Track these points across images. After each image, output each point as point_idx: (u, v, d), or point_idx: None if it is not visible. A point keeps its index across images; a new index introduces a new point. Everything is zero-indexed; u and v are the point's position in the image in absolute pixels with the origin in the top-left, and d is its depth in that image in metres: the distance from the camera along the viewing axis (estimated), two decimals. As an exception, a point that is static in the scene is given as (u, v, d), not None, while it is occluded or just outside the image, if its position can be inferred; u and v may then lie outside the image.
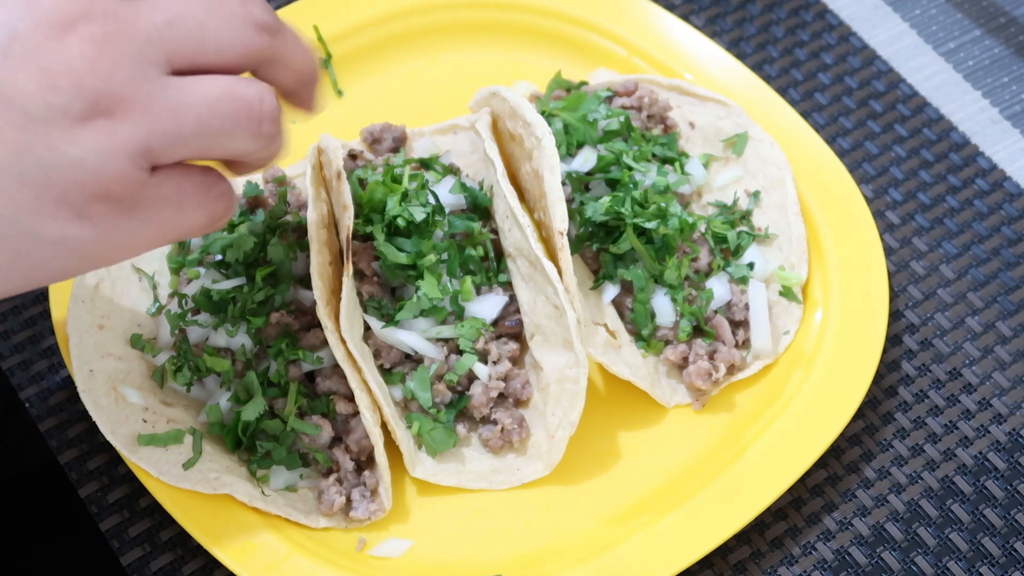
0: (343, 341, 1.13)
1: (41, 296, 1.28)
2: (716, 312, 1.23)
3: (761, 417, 1.19)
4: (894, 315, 1.28)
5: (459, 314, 1.19)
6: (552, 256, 1.18)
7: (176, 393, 1.18)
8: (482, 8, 1.42)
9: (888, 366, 1.25)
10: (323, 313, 1.14)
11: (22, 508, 1.21)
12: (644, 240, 1.21)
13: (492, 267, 1.23)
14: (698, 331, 1.23)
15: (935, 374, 1.24)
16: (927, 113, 1.40)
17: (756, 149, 1.30)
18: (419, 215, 1.19)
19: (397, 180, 1.23)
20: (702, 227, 1.26)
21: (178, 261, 1.24)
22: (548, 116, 1.29)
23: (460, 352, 1.19)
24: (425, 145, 1.32)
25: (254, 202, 1.27)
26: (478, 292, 1.21)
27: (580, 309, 1.14)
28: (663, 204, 1.22)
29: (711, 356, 1.20)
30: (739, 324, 1.23)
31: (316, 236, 1.17)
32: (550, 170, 1.16)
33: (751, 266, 1.24)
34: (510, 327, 1.20)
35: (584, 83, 1.35)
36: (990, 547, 1.15)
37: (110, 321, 1.20)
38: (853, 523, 1.17)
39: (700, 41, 1.38)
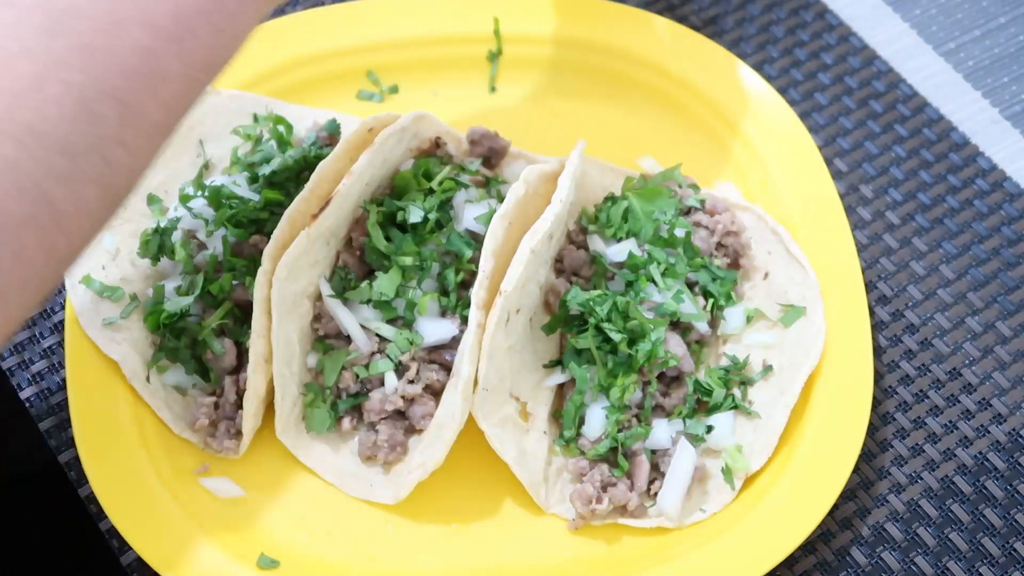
0: (269, 284, 1.15)
1: (41, 296, 1.28)
2: (645, 451, 1.16)
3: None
4: (894, 315, 1.28)
5: (409, 323, 1.19)
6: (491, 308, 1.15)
7: (147, 261, 1.24)
8: (663, 77, 1.38)
9: (888, 366, 1.25)
10: (268, 252, 1.16)
11: (22, 508, 1.21)
12: (608, 348, 1.17)
13: (466, 298, 1.20)
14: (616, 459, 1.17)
15: (935, 374, 1.24)
16: (927, 113, 1.40)
17: (803, 328, 1.22)
18: (415, 216, 1.19)
19: (428, 177, 1.24)
20: (701, 373, 1.20)
21: (236, 158, 1.29)
22: (623, 196, 1.25)
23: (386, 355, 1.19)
24: (516, 168, 1.30)
25: (329, 140, 1.30)
26: (443, 315, 1.20)
27: (486, 370, 1.12)
28: (648, 326, 1.16)
29: (605, 486, 1.14)
30: (663, 474, 1.16)
31: (314, 186, 1.19)
32: (532, 232, 1.15)
33: (709, 429, 1.17)
34: (446, 359, 1.19)
35: (693, 186, 1.29)
36: (990, 547, 1.15)
37: None
38: (853, 523, 1.17)
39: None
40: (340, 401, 1.18)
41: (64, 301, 1.25)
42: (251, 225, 1.23)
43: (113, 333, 1.19)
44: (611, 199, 1.26)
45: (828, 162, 1.37)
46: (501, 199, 1.26)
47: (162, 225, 1.24)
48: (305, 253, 1.17)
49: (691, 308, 1.20)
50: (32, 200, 0.81)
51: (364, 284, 1.19)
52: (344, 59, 1.38)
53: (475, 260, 1.21)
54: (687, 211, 1.27)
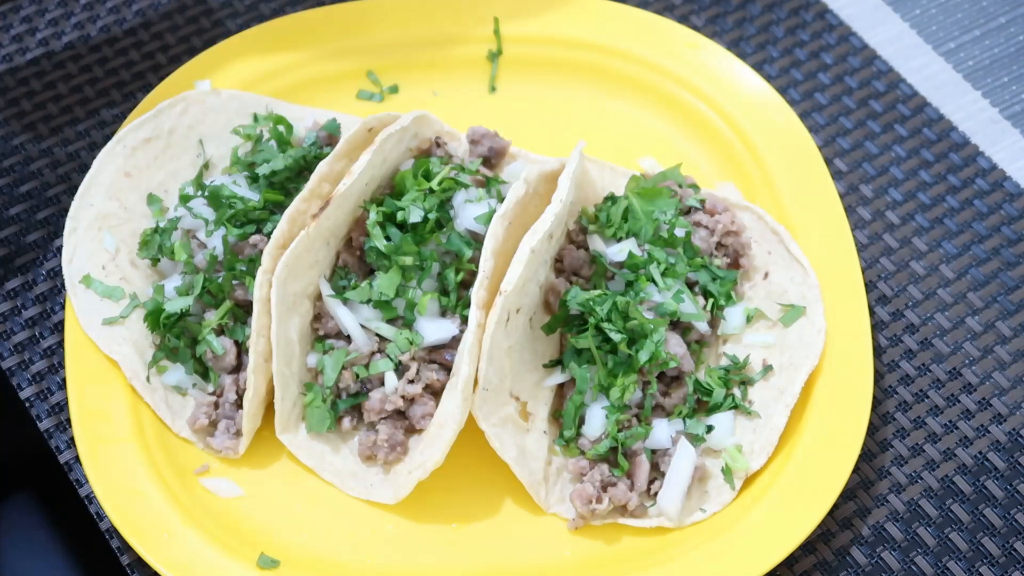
0: (270, 284, 1.15)
1: (40, 297, 1.28)
2: (644, 451, 1.16)
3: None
4: (894, 315, 1.28)
5: (409, 323, 1.19)
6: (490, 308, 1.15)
7: (147, 261, 1.25)
8: (663, 77, 1.38)
9: (888, 366, 1.25)
10: (268, 252, 1.16)
11: (22, 508, 1.21)
12: (608, 348, 1.16)
13: (467, 297, 1.20)
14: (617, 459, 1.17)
15: (935, 374, 1.24)
16: (927, 113, 1.40)
17: (802, 328, 1.22)
18: (415, 216, 1.19)
19: (428, 177, 1.24)
20: (701, 373, 1.20)
21: (236, 158, 1.29)
22: (625, 196, 1.25)
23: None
24: (516, 168, 1.30)
25: (329, 140, 1.30)
26: (443, 315, 1.20)
27: (486, 369, 1.11)
28: (648, 326, 1.16)
29: (605, 486, 1.14)
30: (663, 474, 1.16)
31: (315, 186, 1.19)
32: (532, 232, 1.15)
33: (709, 429, 1.17)
34: (446, 359, 1.19)
35: (693, 186, 1.29)
36: (990, 547, 1.15)
37: (140, 173, 1.28)
38: (853, 523, 1.17)
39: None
40: (340, 401, 1.18)
41: (64, 301, 1.25)
42: (251, 225, 1.23)
43: (113, 333, 1.20)
44: (611, 199, 1.26)
45: (828, 162, 1.37)
46: (501, 199, 1.26)
47: (162, 225, 1.24)
48: (305, 253, 1.17)
49: (691, 308, 1.20)
50: None
51: (364, 284, 1.19)
52: (344, 59, 1.39)
53: (475, 260, 1.21)
54: (687, 211, 1.27)
